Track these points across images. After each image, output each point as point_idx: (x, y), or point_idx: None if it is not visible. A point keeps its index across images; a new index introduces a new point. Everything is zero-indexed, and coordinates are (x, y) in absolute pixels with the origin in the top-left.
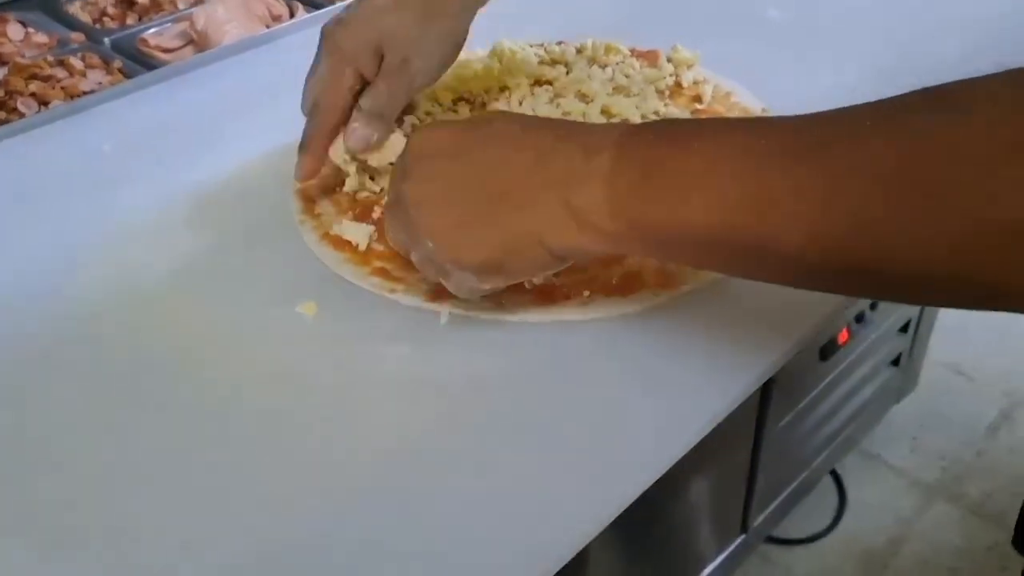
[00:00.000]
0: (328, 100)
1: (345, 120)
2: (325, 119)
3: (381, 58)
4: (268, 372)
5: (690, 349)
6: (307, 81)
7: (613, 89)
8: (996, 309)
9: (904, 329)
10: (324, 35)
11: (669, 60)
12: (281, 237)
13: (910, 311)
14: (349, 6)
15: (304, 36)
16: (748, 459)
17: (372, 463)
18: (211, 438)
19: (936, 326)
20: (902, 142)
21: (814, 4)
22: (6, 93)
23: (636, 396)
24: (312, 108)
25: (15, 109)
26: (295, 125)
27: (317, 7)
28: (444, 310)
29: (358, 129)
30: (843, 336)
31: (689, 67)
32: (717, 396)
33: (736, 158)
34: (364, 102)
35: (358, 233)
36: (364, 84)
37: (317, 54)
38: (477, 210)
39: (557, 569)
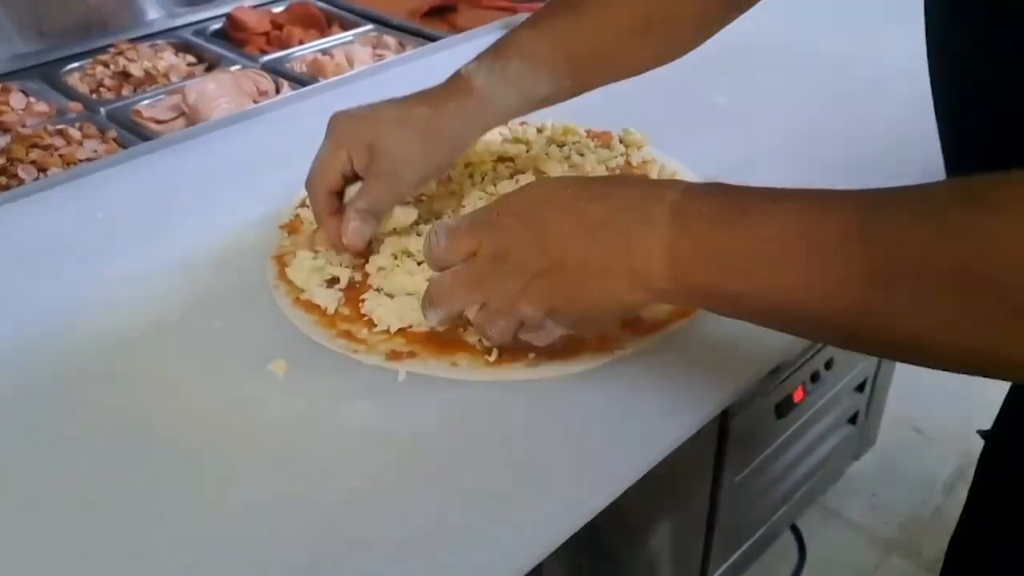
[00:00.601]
0: (321, 173)
1: (335, 192)
2: (318, 188)
3: (370, 152)
4: (239, 424)
5: (621, 407)
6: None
7: (569, 167)
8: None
9: (860, 388)
10: (331, 121)
11: (621, 141)
12: (257, 301)
13: (866, 370)
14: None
15: (289, 111)
16: (706, 512)
17: (321, 509)
18: (180, 479)
19: (893, 385)
20: (942, 237)
21: (753, 90)
22: (8, 160)
23: (564, 450)
24: (309, 182)
25: (16, 175)
26: (276, 196)
27: (302, 84)
28: (402, 369)
29: (357, 226)
30: (798, 394)
31: (639, 148)
32: (639, 451)
33: (787, 239)
34: (359, 202)
35: (327, 298)
36: (354, 173)
37: (325, 137)
38: (570, 282)
39: None
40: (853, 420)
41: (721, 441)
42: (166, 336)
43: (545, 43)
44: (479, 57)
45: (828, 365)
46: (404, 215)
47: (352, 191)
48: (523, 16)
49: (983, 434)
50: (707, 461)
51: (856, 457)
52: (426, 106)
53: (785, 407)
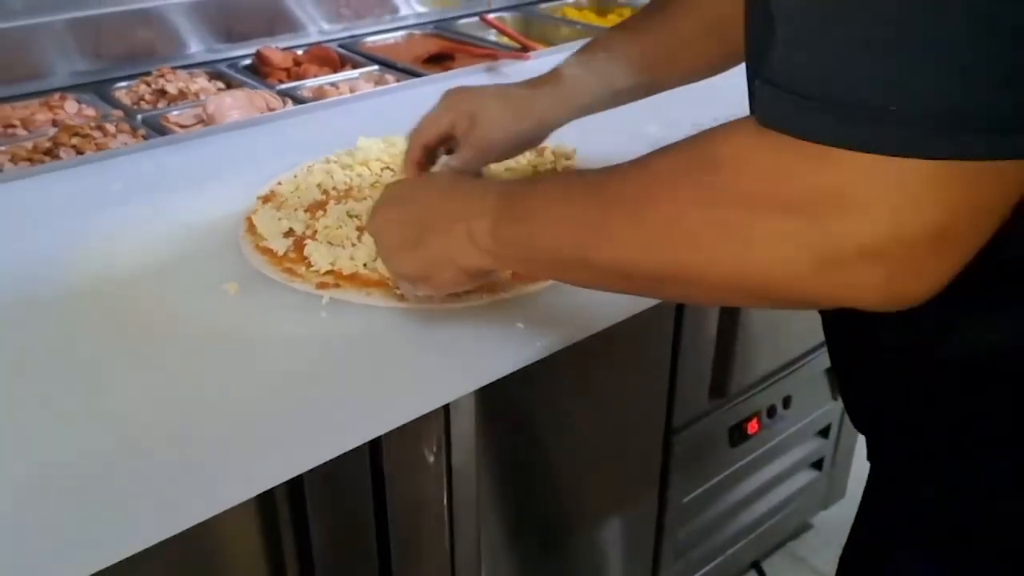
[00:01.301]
0: (424, 129)
1: (428, 148)
2: (417, 139)
3: (471, 119)
4: (190, 324)
5: (467, 339)
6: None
7: (506, 169)
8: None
9: (824, 434)
10: (446, 92)
11: (553, 152)
12: (228, 248)
13: (830, 415)
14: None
15: (286, 122)
16: (653, 526)
17: (237, 387)
18: (136, 361)
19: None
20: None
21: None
22: (53, 144)
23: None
24: (411, 132)
25: (58, 156)
26: (261, 182)
27: (302, 102)
28: (326, 295)
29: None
30: (752, 426)
31: (568, 158)
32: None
33: (558, 199)
34: (453, 160)
35: (279, 244)
36: (450, 135)
37: (437, 103)
38: (412, 238)
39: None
40: (819, 466)
41: (666, 456)
42: (150, 266)
43: (627, 41)
44: (574, 53)
45: (786, 403)
46: None
47: (439, 164)
48: (504, 62)
49: None
50: (651, 475)
51: (825, 506)
52: (523, 87)
53: (739, 436)
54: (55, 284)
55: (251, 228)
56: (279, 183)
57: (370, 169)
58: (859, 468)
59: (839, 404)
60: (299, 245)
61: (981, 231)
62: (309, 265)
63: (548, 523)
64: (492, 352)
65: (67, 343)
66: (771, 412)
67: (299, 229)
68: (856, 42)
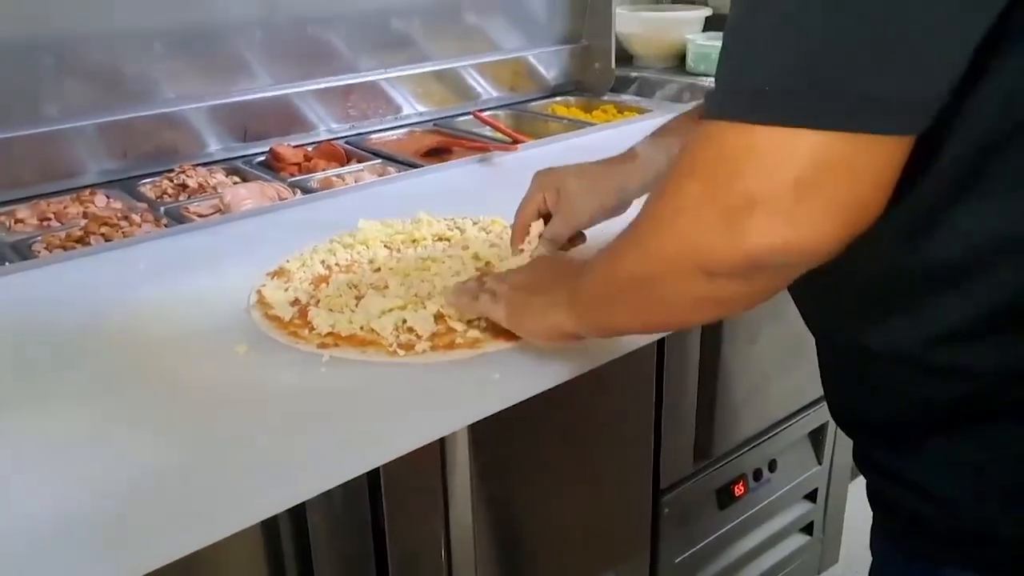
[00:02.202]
0: (523, 207)
1: (529, 222)
2: (521, 219)
3: (558, 194)
4: (201, 379)
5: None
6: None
7: (490, 246)
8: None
9: (811, 498)
10: (536, 173)
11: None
12: (238, 316)
13: (816, 480)
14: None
15: (294, 210)
16: None
17: (245, 428)
18: (161, 406)
19: (852, 499)
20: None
21: None
22: (85, 233)
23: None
24: (517, 211)
25: (88, 242)
26: (269, 261)
27: (309, 192)
28: (327, 353)
29: (542, 247)
30: (739, 488)
31: None
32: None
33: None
34: (546, 232)
35: (285, 311)
36: (546, 210)
37: (530, 184)
38: (525, 293)
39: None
40: (809, 531)
41: (655, 517)
42: (170, 332)
43: (693, 122)
44: (648, 135)
45: (772, 467)
46: None
47: (534, 231)
48: (495, 154)
49: None
50: (642, 537)
51: (819, 572)
52: (600, 164)
53: (726, 498)
54: (89, 347)
55: (261, 299)
56: (287, 261)
57: (368, 247)
58: (851, 534)
59: (825, 468)
60: (303, 312)
61: (836, 183)
62: (312, 328)
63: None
64: (476, 397)
65: (99, 394)
66: (757, 475)
67: (303, 299)
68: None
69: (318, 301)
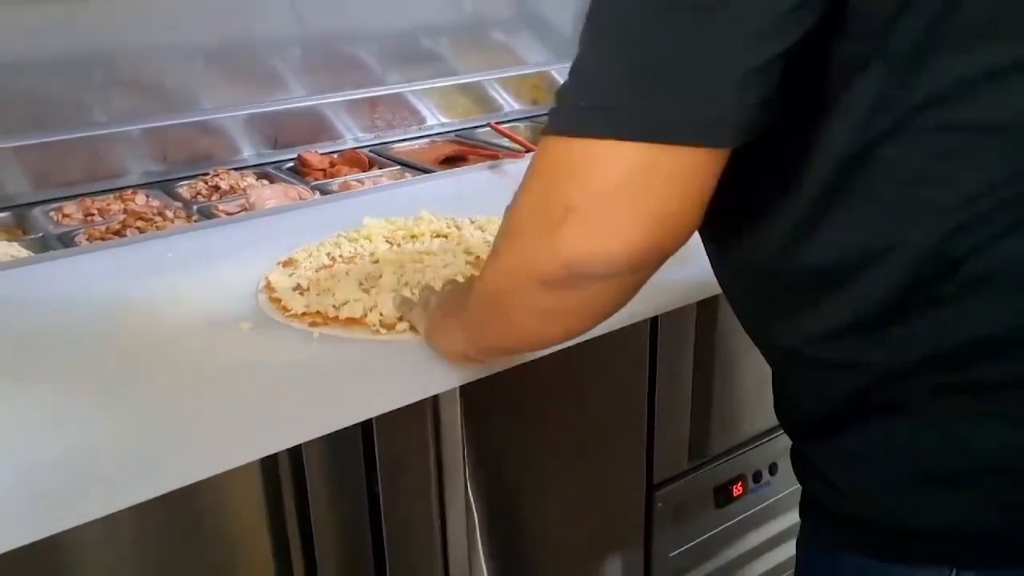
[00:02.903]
0: None
1: None
2: None
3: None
4: (208, 352)
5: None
6: None
7: (484, 242)
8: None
9: None
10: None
11: None
12: (247, 299)
13: None
14: None
15: (312, 209)
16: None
17: (247, 385)
18: (173, 366)
19: None
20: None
21: None
22: (122, 226)
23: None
24: None
25: (124, 234)
26: (284, 249)
27: (328, 193)
28: (316, 331)
29: None
30: (737, 488)
31: None
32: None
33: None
34: None
35: (287, 295)
36: None
37: None
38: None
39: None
40: None
41: (648, 511)
42: (187, 309)
43: None
44: None
45: (772, 470)
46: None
47: None
48: (505, 161)
49: None
50: (636, 524)
51: None
52: None
53: (724, 498)
54: (113, 319)
55: (267, 284)
56: (297, 252)
57: (371, 241)
58: None
59: None
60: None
61: (643, 193)
62: (306, 311)
63: (539, 560)
64: (451, 369)
65: (122, 355)
66: (757, 477)
67: (304, 284)
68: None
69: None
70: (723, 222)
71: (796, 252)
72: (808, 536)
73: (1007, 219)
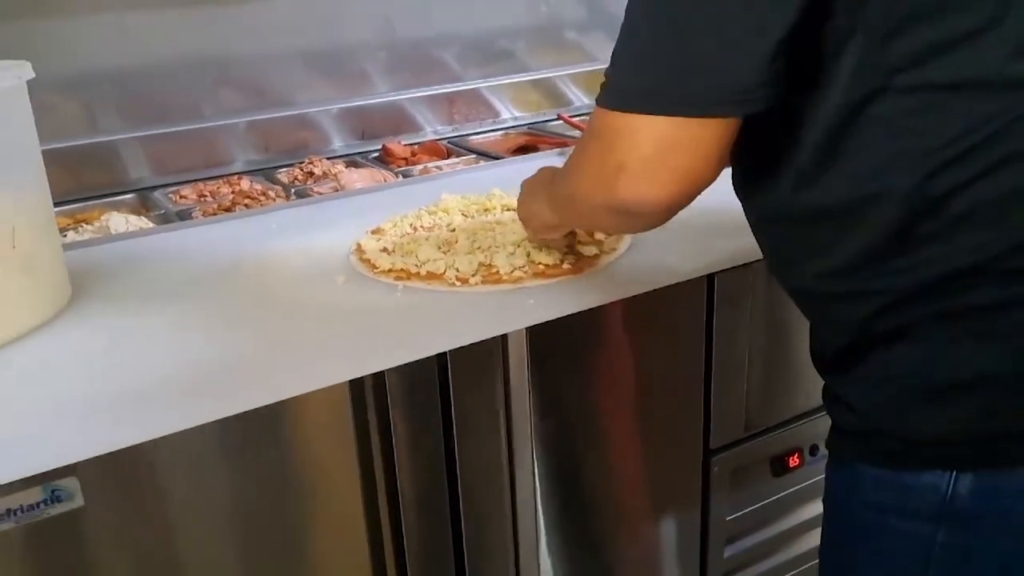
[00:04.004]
0: None
1: None
2: None
3: None
4: (308, 300)
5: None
6: None
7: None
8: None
9: None
10: None
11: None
12: (342, 260)
13: None
14: None
15: (400, 189)
16: (698, 537)
17: (341, 327)
18: (279, 311)
19: None
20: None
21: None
22: (232, 203)
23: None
24: None
25: (234, 211)
26: (372, 222)
27: (407, 175)
28: (400, 284)
29: None
30: (794, 459)
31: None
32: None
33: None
34: None
35: (376, 256)
36: None
37: None
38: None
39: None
40: None
41: (705, 474)
42: (291, 268)
43: None
44: None
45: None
46: None
47: None
48: (571, 149)
49: None
50: (694, 486)
51: None
52: None
53: (780, 468)
54: (225, 276)
55: (359, 248)
56: (384, 223)
57: (448, 214)
58: None
59: None
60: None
61: (674, 156)
62: (392, 268)
63: (599, 512)
64: (518, 315)
65: (238, 298)
66: (813, 450)
67: (391, 248)
68: (618, 46)
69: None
70: (747, 178)
71: (804, 197)
72: (832, 456)
73: (979, 163)
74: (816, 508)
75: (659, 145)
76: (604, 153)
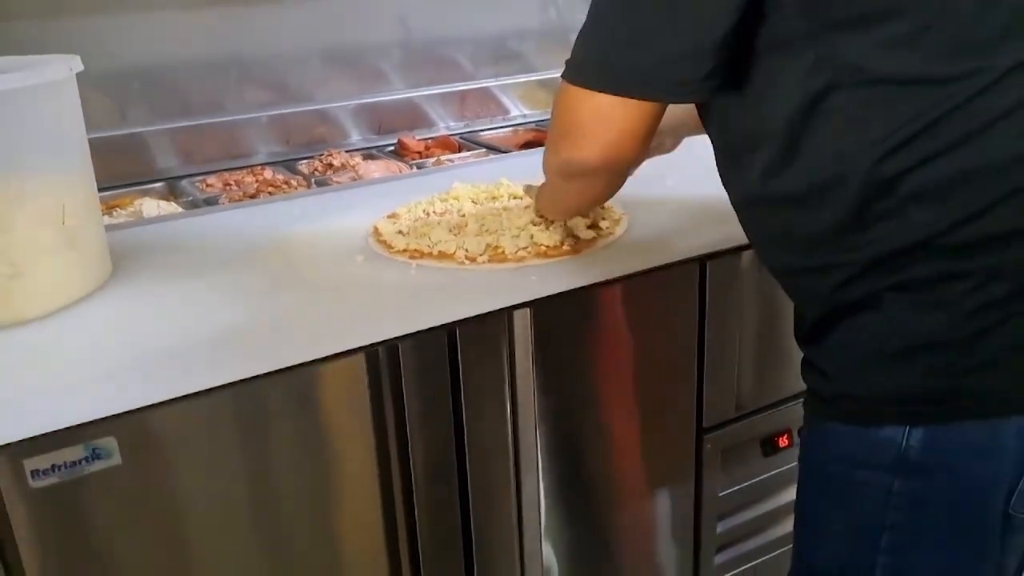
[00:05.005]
0: None
1: None
2: None
3: None
4: (328, 277)
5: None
6: None
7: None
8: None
9: None
10: None
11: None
12: (360, 242)
13: None
14: None
15: (414, 179)
16: (692, 513)
17: (357, 299)
18: (301, 284)
19: None
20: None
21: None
22: (256, 192)
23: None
24: None
25: (258, 197)
26: (389, 207)
27: (421, 167)
28: (415, 263)
29: None
30: (783, 440)
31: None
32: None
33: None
34: None
35: (392, 237)
36: None
37: None
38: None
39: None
40: None
41: (699, 451)
42: (313, 247)
43: None
44: None
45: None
46: None
47: None
48: None
49: None
50: (687, 463)
51: None
52: None
53: (770, 448)
54: (250, 255)
55: (376, 230)
56: (399, 208)
57: (458, 201)
58: None
59: None
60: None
61: (604, 127)
62: (406, 248)
63: (597, 485)
64: (521, 289)
65: (265, 273)
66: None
67: (405, 230)
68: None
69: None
70: (722, 167)
71: (772, 184)
72: (806, 419)
73: (925, 150)
74: None
75: (593, 115)
76: (557, 118)
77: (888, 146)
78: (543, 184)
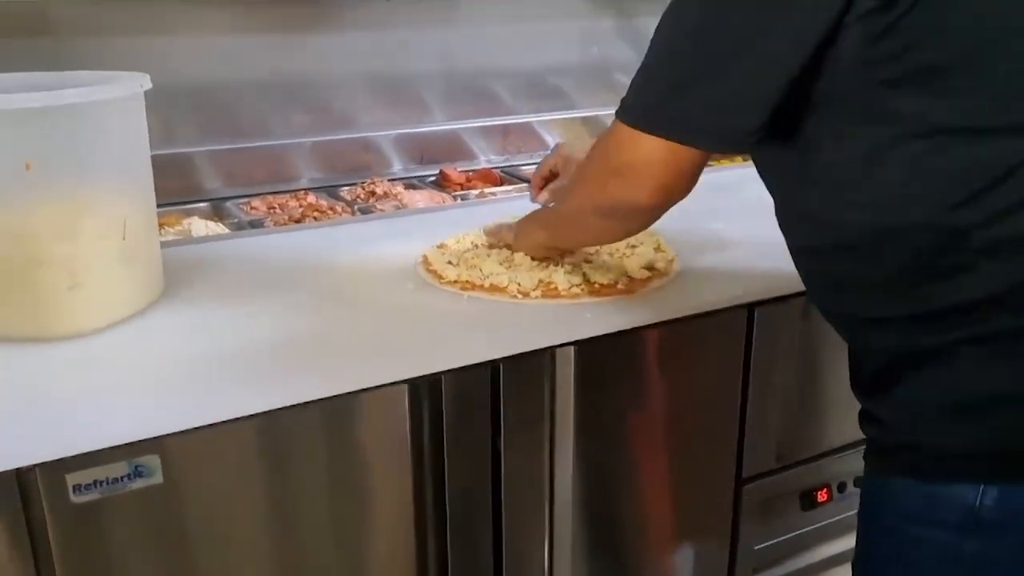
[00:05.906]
0: (539, 168)
1: (545, 178)
2: (537, 175)
3: (565, 160)
4: (380, 300)
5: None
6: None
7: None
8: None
9: None
10: (555, 146)
11: None
12: (410, 271)
13: None
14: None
15: (451, 211)
16: (727, 561)
17: (408, 329)
18: (355, 313)
19: None
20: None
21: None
22: (301, 216)
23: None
24: (537, 167)
25: (303, 222)
26: (436, 237)
27: (464, 199)
28: (466, 295)
29: (544, 199)
30: (823, 494)
31: None
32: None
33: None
34: (552, 185)
35: (443, 267)
36: (554, 171)
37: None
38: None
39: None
40: None
41: (736, 501)
42: (364, 274)
43: None
44: None
45: (857, 483)
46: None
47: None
48: None
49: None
50: (724, 519)
51: None
52: None
53: (808, 502)
54: (309, 274)
55: (425, 260)
56: (447, 239)
57: None
58: None
59: None
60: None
61: (657, 169)
62: (458, 279)
63: (629, 529)
64: (573, 327)
65: (313, 296)
66: (841, 488)
67: (455, 261)
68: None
69: (469, 265)
70: (780, 214)
71: (830, 234)
72: (867, 471)
73: (996, 203)
74: (843, 545)
75: (647, 157)
76: (607, 156)
77: (956, 199)
78: (532, 220)
